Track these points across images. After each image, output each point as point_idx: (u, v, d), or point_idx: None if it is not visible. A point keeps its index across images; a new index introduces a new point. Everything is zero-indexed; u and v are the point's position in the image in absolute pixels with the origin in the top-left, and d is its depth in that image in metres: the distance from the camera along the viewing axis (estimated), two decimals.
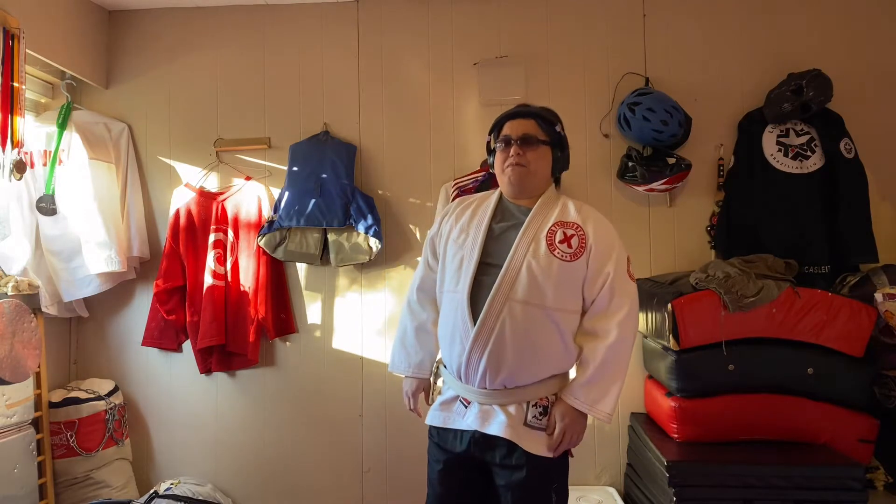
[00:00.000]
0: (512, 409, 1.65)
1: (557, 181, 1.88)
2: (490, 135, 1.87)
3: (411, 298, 1.95)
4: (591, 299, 1.71)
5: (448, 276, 1.78)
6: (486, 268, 1.70)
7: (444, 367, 1.82)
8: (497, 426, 1.64)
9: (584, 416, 1.68)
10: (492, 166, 1.86)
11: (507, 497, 1.69)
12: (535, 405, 1.67)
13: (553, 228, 1.71)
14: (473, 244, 1.74)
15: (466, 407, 1.71)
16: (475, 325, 1.64)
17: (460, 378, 1.71)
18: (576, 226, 1.72)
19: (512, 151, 1.74)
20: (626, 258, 1.74)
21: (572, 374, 1.75)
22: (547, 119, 1.79)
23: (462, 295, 1.68)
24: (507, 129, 1.79)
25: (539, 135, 1.76)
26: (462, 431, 1.71)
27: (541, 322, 1.65)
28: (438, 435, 1.78)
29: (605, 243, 1.71)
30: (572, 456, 1.75)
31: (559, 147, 1.80)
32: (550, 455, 1.65)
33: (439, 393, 1.85)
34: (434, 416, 1.78)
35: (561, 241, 1.69)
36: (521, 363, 1.64)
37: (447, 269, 1.79)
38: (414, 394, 1.93)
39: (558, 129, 1.80)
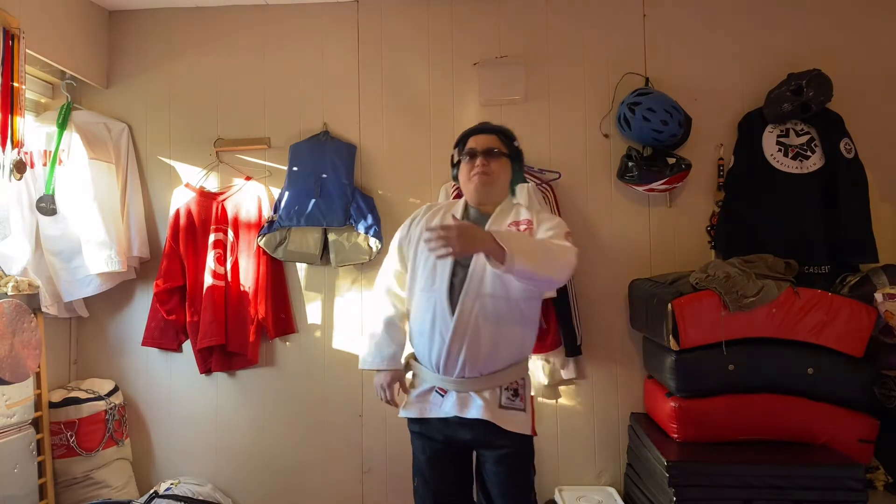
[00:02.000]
0: (487, 394, 1.84)
1: (513, 192, 2.08)
2: (455, 149, 2.06)
3: (379, 297, 2.11)
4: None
5: (422, 276, 1.93)
6: (456, 268, 1.88)
7: (417, 361, 1.98)
8: (476, 410, 1.82)
9: (482, 241, 1.61)
10: (456, 178, 2.06)
11: (494, 475, 1.89)
12: (506, 388, 1.86)
13: (509, 227, 1.93)
14: None
15: (443, 396, 1.89)
16: (453, 320, 1.82)
17: (438, 370, 1.88)
18: (528, 221, 1.93)
19: (478, 162, 1.94)
20: (569, 233, 1.88)
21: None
22: (507, 135, 2.03)
23: (440, 294, 1.86)
24: (472, 142, 1.99)
25: (501, 148, 1.97)
26: (444, 419, 1.88)
27: (508, 311, 1.84)
28: (421, 426, 1.95)
29: (546, 222, 1.91)
30: (535, 434, 1.93)
31: (517, 161, 2.03)
32: (527, 432, 1.86)
33: (412, 387, 2.00)
34: (410, 409, 1.95)
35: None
36: (495, 351, 1.84)
37: (419, 270, 1.95)
38: (389, 385, 2.03)
39: (516, 144, 2.04)
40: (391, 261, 2.09)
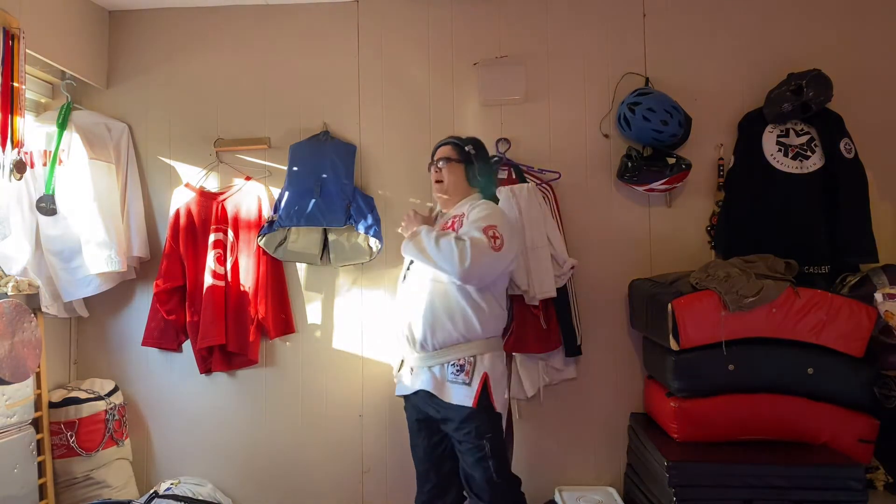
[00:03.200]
0: (436, 369, 2.10)
1: (488, 193, 2.28)
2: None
3: None
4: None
5: None
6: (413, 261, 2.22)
7: None
8: (423, 382, 2.10)
9: (418, 230, 2.14)
10: None
11: (459, 455, 2.11)
12: (452, 364, 2.08)
13: (449, 222, 2.21)
14: None
15: (412, 374, 2.17)
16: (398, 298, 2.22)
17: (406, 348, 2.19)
18: (462, 215, 2.14)
19: (432, 171, 2.30)
20: (491, 226, 2.01)
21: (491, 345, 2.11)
22: (458, 144, 2.28)
23: (400, 280, 2.28)
24: (435, 155, 2.31)
25: (452, 155, 2.26)
26: (414, 394, 2.15)
27: (443, 293, 2.07)
28: (406, 402, 2.25)
29: (472, 214, 2.09)
30: (477, 406, 2.03)
31: (469, 162, 2.24)
32: (468, 404, 2.02)
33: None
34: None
35: (451, 228, 2.16)
36: (431, 325, 2.07)
37: None
38: None
39: (468, 149, 2.26)
40: None
